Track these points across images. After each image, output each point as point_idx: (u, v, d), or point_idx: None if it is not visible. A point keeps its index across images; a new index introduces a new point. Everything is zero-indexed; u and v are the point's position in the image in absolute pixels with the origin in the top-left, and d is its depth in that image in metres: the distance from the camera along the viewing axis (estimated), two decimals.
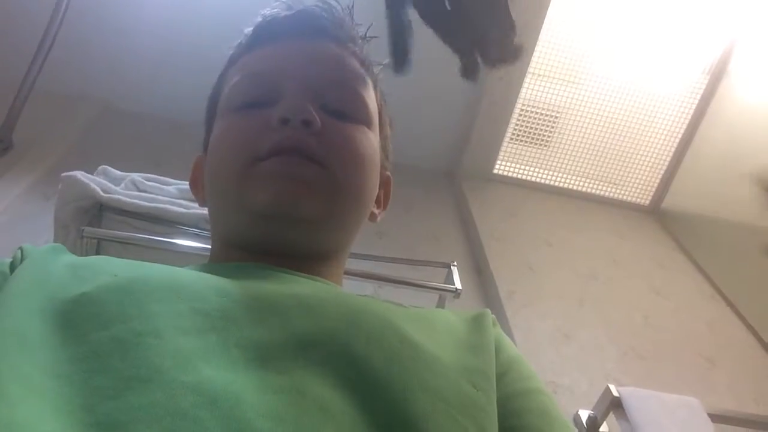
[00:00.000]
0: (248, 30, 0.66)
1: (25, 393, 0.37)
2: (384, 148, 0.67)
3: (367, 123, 0.62)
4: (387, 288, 1.13)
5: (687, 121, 2.61)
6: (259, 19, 0.65)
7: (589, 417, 1.29)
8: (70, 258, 0.53)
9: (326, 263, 0.61)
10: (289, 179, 0.54)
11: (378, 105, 0.67)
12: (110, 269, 0.49)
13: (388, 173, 0.71)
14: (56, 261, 0.51)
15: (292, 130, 0.55)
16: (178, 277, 0.48)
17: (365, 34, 0.68)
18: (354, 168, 0.58)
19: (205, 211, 1.03)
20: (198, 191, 0.70)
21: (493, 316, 0.60)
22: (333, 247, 0.62)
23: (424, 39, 0.63)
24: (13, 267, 0.52)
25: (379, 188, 0.67)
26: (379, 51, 0.70)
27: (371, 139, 0.62)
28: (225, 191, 0.58)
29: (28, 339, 0.41)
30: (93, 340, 0.41)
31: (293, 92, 0.58)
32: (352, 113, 0.61)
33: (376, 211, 0.68)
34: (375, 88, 0.67)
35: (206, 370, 0.39)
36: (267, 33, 0.64)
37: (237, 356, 0.41)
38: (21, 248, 0.54)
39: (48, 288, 0.46)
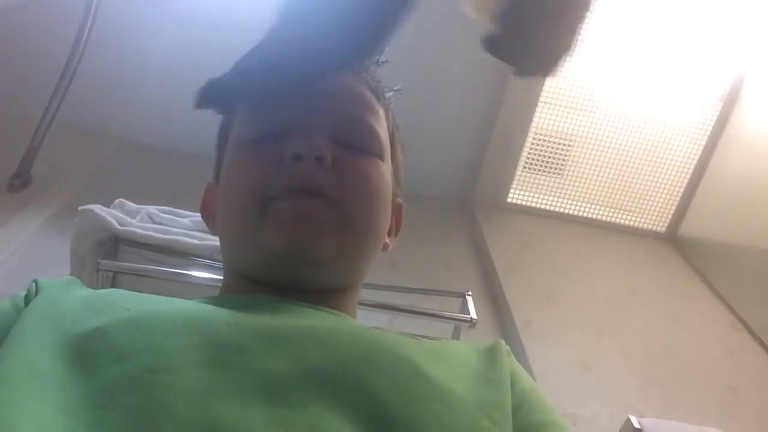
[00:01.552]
0: None
1: (37, 430, 0.37)
2: (396, 175, 0.67)
3: (380, 155, 0.62)
4: (401, 318, 1.12)
5: (702, 147, 2.60)
6: None
7: None
8: (83, 291, 0.54)
9: (340, 296, 0.61)
10: (301, 220, 0.54)
11: (390, 132, 0.67)
12: (123, 303, 0.49)
13: (400, 200, 0.71)
14: (70, 295, 0.51)
15: (305, 167, 0.55)
16: (190, 311, 0.48)
17: (378, 60, 0.68)
18: (367, 204, 0.58)
19: (219, 242, 1.03)
20: (209, 219, 0.70)
21: (508, 346, 0.59)
22: (347, 281, 0.61)
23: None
24: (27, 300, 0.52)
25: (391, 216, 0.67)
26: (392, 76, 0.71)
27: (383, 172, 0.62)
28: (238, 229, 0.58)
29: (40, 375, 0.41)
30: (104, 376, 0.41)
31: (305, 126, 0.58)
32: (364, 145, 0.61)
33: (388, 240, 0.68)
34: (387, 115, 0.67)
35: (218, 407, 0.39)
36: None
37: (250, 389, 0.41)
38: (35, 282, 0.54)
39: (61, 323, 0.46)
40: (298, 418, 0.40)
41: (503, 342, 0.59)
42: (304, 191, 0.54)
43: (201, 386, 0.40)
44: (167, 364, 0.42)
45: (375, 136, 0.62)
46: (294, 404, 0.41)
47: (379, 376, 0.45)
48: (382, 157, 0.62)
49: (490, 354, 0.56)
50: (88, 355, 0.43)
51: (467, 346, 0.58)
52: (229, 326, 0.47)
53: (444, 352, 0.54)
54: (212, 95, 0.61)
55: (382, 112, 0.66)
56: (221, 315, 0.48)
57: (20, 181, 1.99)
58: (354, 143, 0.60)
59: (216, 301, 0.55)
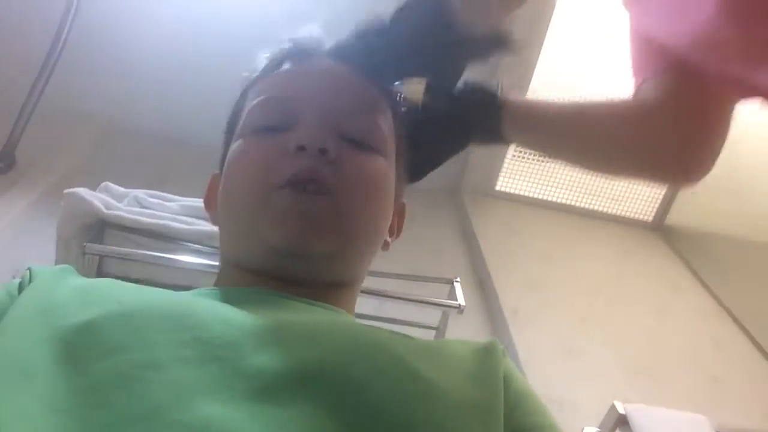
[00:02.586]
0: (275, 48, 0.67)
1: (25, 429, 0.37)
2: (399, 177, 0.67)
3: (383, 152, 0.62)
4: (390, 304, 1.12)
5: None
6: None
7: None
8: (77, 281, 0.53)
9: (338, 291, 0.61)
10: (302, 217, 0.54)
11: (397, 133, 0.67)
12: (116, 295, 0.48)
13: (403, 201, 0.71)
14: (63, 284, 0.51)
15: (308, 159, 0.55)
16: (182, 305, 0.48)
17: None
18: (368, 200, 0.59)
19: (207, 227, 1.03)
20: (212, 210, 0.69)
21: (502, 346, 0.59)
22: (345, 277, 0.61)
23: None
24: (21, 288, 0.52)
25: (393, 216, 0.67)
26: None
27: (386, 169, 0.62)
28: (239, 219, 0.58)
29: (29, 370, 0.41)
30: (93, 371, 0.41)
31: (311, 119, 0.58)
32: (369, 142, 0.61)
33: (389, 239, 0.68)
34: (394, 113, 0.67)
35: (206, 407, 0.39)
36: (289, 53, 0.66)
37: (239, 387, 0.41)
38: (29, 269, 0.54)
39: (52, 315, 0.46)
40: (287, 418, 0.40)
41: (498, 341, 0.59)
42: (305, 182, 0.55)
43: (190, 384, 0.40)
44: (156, 360, 0.41)
45: (380, 133, 0.62)
46: (283, 403, 0.41)
47: (370, 375, 0.44)
48: (385, 155, 0.62)
49: (485, 354, 0.56)
50: (78, 349, 0.42)
51: (462, 344, 0.58)
52: (220, 322, 0.46)
53: (438, 351, 0.54)
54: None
55: (389, 112, 0.66)
56: (214, 310, 0.48)
57: (5, 163, 1.97)
58: (358, 139, 0.60)
59: (210, 294, 0.54)
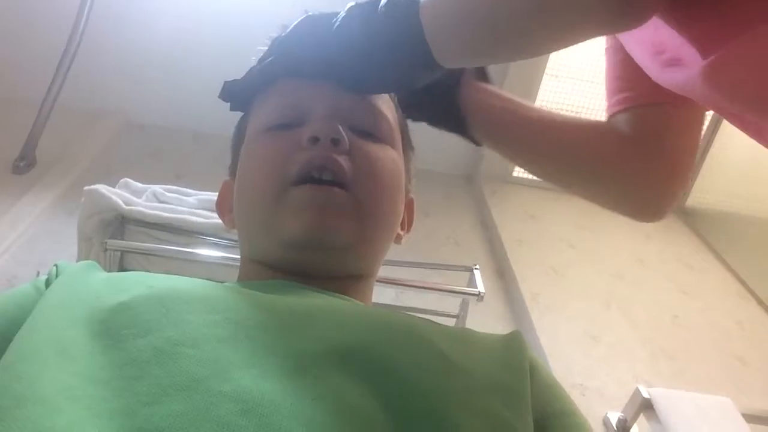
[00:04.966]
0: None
1: (67, 401, 0.37)
2: (407, 170, 0.68)
3: (392, 143, 0.63)
4: (409, 292, 1.12)
5: (709, 118, 2.57)
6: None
7: (619, 419, 1.27)
8: (104, 273, 0.54)
9: (355, 284, 0.62)
10: (320, 209, 0.55)
11: (400, 126, 0.68)
12: (145, 282, 0.50)
13: (411, 196, 0.72)
14: (91, 276, 0.52)
15: (322, 149, 0.56)
16: (211, 290, 0.49)
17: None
18: (382, 189, 0.59)
19: None
20: (225, 215, 0.70)
21: (525, 338, 0.60)
22: (362, 270, 0.62)
23: None
24: (48, 284, 0.52)
25: (403, 210, 0.68)
26: None
27: (396, 159, 0.63)
28: (256, 217, 0.59)
29: (67, 348, 0.42)
30: (131, 347, 0.42)
31: (321, 113, 0.59)
32: (377, 132, 0.62)
33: (401, 232, 0.69)
34: (396, 108, 0.68)
35: (243, 379, 0.40)
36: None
37: (273, 364, 0.42)
38: (56, 265, 0.55)
39: (85, 299, 0.47)
40: (322, 390, 0.41)
41: (521, 333, 0.60)
42: (320, 169, 0.55)
43: (226, 359, 0.41)
44: (191, 337, 0.42)
45: (386, 122, 0.63)
46: (317, 378, 0.42)
47: (399, 353, 0.45)
48: (394, 146, 0.63)
49: (510, 343, 0.56)
50: (114, 328, 0.44)
51: (486, 334, 0.59)
52: (249, 305, 0.47)
53: (463, 337, 0.55)
54: (233, 94, 0.66)
55: (393, 103, 0.67)
56: (242, 295, 0.49)
57: (25, 163, 1.99)
58: (368, 130, 0.61)
59: (235, 285, 0.55)
